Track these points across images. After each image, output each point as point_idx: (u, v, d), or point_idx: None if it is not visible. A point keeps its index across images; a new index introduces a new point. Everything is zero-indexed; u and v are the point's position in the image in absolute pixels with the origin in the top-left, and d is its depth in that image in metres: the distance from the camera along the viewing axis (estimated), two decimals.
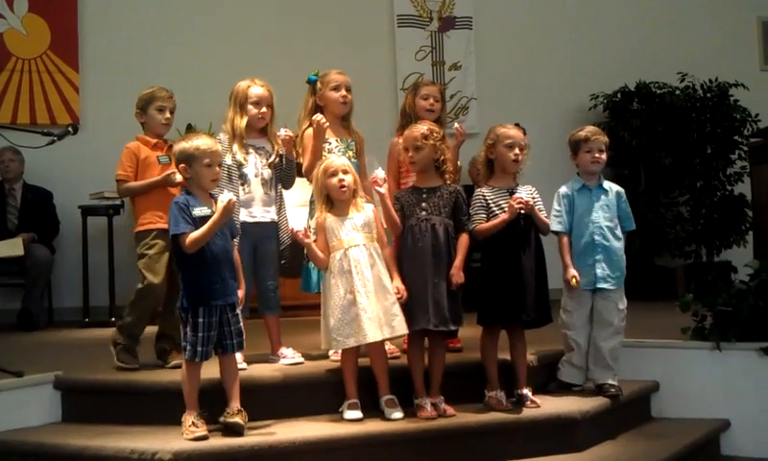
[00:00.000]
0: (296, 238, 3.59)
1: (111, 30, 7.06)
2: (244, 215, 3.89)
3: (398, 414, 3.46)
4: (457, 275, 3.53)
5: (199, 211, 3.29)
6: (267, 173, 3.99)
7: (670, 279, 7.34)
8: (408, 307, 3.51)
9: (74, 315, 6.37)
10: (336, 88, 4.08)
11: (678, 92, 7.55)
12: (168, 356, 3.87)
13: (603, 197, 3.92)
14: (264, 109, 3.99)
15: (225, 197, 3.26)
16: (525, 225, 3.66)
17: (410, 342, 3.67)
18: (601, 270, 3.84)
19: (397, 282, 3.52)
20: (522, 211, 3.58)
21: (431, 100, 4.14)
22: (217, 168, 3.39)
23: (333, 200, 3.58)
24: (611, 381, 3.87)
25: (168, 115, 4.04)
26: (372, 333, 3.40)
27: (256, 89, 3.99)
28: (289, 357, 3.89)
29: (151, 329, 3.99)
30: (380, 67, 7.62)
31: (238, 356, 3.49)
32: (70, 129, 4.06)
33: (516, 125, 3.84)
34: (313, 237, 3.57)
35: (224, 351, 3.34)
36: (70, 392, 3.65)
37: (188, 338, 3.26)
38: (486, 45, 7.96)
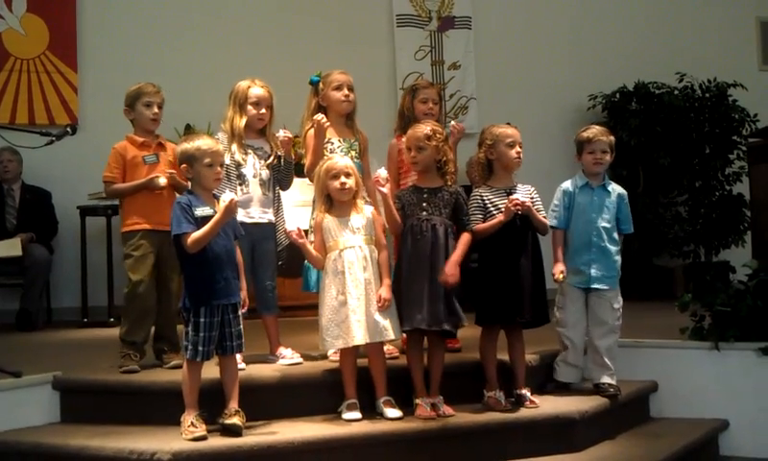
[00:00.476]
0: (290, 239, 3.59)
1: (110, 30, 7.05)
2: (242, 216, 3.88)
3: (397, 413, 3.46)
4: (449, 269, 3.48)
5: (201, 211, 3.30)
6: (265, 174, 3.98)
7: (669, 279, 7.35)
8: (404, 307, 3.51)
9: (73, 315, 6.37)
10: (338, 88, 4.06)
11: (676, 92, 7.54)
12: (165, 357, 3.87)
13: (604, 198, 3.92)
14: (263, 111, 3.98)
15: (226, 197, 3.26)
16: (522, 225, 3.66)
17: (409, 342, 3.67)
18: (595, 270, 3.84)
19: (384, 291, 3.48)
20: (519, 212, 3.58)
21: (430, 103, 4.15)
22: (219, 168, 3.39)
23: (333, 200, 3.58)
24: (608, 381, 3.87)
25: (156, 110, 4.00)
26: (360, 336, 3.41)
27: (256, 90, 3.98)
28: (288, 358, 3.89)
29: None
30: (380, 67, 7.62)
31: (238, 357, 3.48)
32: (69, 129, 4.06)
33: (508, 124, 3.85)
34: (311, 237, 3.57)
35: (223, 353, 3.34)
36: (69, 392, 3.64)
37: (190, 338, 3.26)
38: (485, 45, 7.96)
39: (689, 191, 7.60)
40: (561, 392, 3.93)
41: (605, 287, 3.85)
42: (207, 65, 7.06)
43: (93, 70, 6.97)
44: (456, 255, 3.55)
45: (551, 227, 3.86)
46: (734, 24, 8.44)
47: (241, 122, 3.95)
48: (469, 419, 3.54)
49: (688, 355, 4.27)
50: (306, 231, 3.70)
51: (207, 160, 3.34)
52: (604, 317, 3.88)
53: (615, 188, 3.97)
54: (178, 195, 3.91)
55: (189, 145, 3.37)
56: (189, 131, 6.19)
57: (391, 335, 3.49)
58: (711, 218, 7.55)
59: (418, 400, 3.54)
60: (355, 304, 3.43)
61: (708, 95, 7.58)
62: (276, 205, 4.04)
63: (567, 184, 3.95)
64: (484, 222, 3.65)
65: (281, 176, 4.04)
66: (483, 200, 3.69)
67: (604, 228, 3.87)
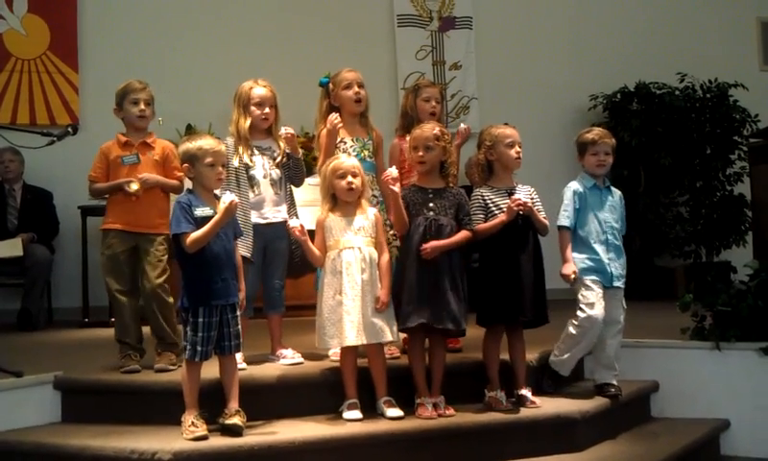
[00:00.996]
0: (292, 235, 3.58)
1: (111, 30, 7.06)
2: (255, 217, 3.88)
3: (398, 412, 3.46)
4: (429, 248, 3.46)
5: (201, 211, 3.30)
6: (275, 173, 3.98)
7: (670, 280, 7.34)
8: (407, 304, 3.50)
9: (74, 315, 6.36)
10: (348, 86, 4.06)
11: (677, 93, 7.54)
12: (156, 358, 3.84)
13: (610, 198, 3.94)
14: (267, 110, 3.98)
15: (227, 198, 3.26)
16: (523, 225, 3.67)
17: (410, 341, 3.67)
18: (615, 269, 3.85)
19: (382, 294, 3.48)
20: (521, 212, 3.58)
21: (433, 102, 4.14)
22: (220, 168, 3.38)
23: (338, 200, 3.58)
24: (612, 381, 3.87)
25: (143, 107, 3.97)
26: (352, 337, 3.41)
27: (259, 90, 3.98)
28: (289, 357, 3.89)
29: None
30: (381, 67, 7.61)
31: (238, 356, 3.48)
32: (70, 129, 4.06)
33: (506, 124, 3.84)
34: None
35: (222, 352, 3.34)
36: (70, 392, 3.65)
37: (188, 338, 3.26)
38: (486, 45, 7.96)
39: (690, 191, 7.60)
40: (562, 392, 3.92)
41: (622, 285, 3.86)
42: (208, 65, 7.07)
43: (94, 70, 6.97)
44: (443, 242, 3.51)
45: (564, 227, 3.84)
46: (735, 24, 8.44)
47: (246, 123, 3.95)
48: (471, 419, 3.54)
49: (689, 355, 4.27)
50: (312, 232, 3.69)
51: (209, 160, 3.34)
52: (617, 316, 3.87)
53: (615, 190, 4.00)
54: (168, 196, 3.92)
55: (191, 144, 3.38)
56: (190, 131, 6.18)
57: (388, 337, 3.49)
58: (712, 218, 7.55)
59: (419, 400, 3.54)
60: (350, 305, 3.43)
61: (708, 95, 7.59)
62: (289, 202, 4.03)
63: (576, 185, 3.92)
64: (485, 222, 3.65)
65: (292, 173, 4.04)
66: (484, 200, 3.69)
67: (616, 227, 3.89)
